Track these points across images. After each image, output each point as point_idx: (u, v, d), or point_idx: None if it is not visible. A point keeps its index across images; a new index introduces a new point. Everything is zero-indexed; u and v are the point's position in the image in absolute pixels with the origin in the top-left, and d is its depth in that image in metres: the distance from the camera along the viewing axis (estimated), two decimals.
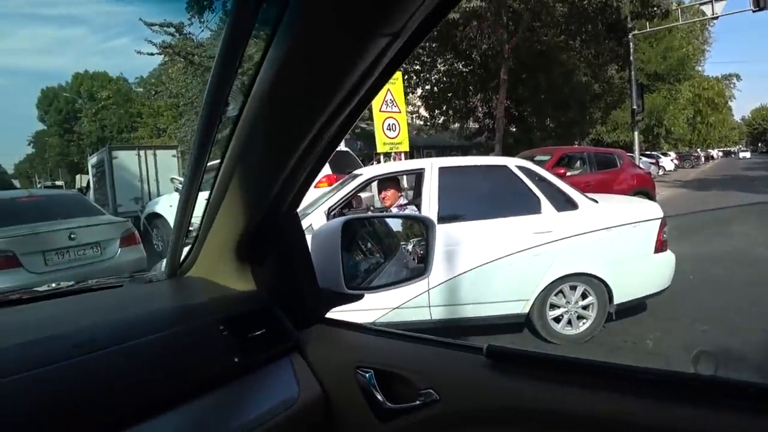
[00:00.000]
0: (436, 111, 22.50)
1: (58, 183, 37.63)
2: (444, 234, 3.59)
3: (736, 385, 0.61)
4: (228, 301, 0.98)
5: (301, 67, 0.63)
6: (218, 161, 0.85)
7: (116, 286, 1.17)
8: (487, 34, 18.01)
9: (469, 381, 0.82)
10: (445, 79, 21.53)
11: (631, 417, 0.65)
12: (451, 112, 22.48)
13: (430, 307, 3.71)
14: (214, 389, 0.80)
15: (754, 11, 15.52)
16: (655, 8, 17.07)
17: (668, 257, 4.07)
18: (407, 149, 9.97)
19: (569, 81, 19.70)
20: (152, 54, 16.12)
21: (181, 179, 9.00)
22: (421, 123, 23.95)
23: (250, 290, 1.01)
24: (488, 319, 3.86)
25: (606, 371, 0.71)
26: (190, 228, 1.05)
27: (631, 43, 19.17)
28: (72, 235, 5.28)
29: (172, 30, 15.98)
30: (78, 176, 30.94)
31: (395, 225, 1.55)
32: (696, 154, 46.22)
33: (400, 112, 9.77)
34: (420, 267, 1.25)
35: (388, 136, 9.41)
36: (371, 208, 6.08)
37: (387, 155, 9.75)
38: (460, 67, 21.11)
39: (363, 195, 5.95)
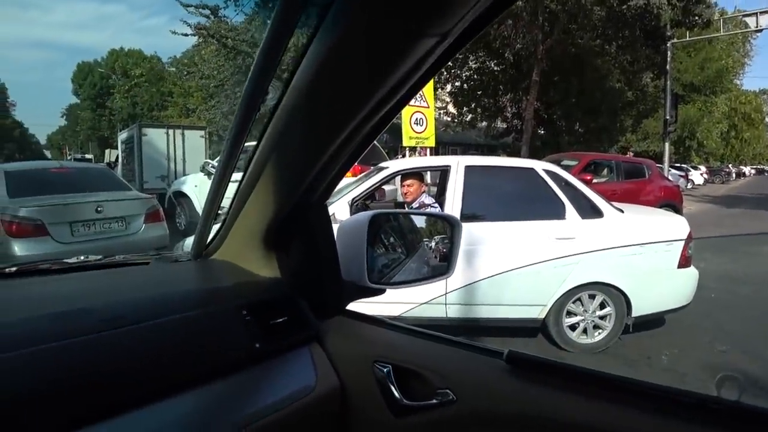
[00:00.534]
0: (465, 108, 22.31)
1: (87, 156, 38.42)
2: (465, 233, 3.57)
3: (762, 413, 0.60)
4: (252, 286, 0.99)
5: (343, 61, 0.63)
6: (253, 147, 0.86)
7: (143, 263, 1.20)
8: (522, 33, 17.75)
9: (488, 384, 0.81)
10: (475, 76, 21.32)
11: None
12: (479, 110, 22.26)
13: (446, 305, 3.71)
14: (233, 373, 0.82)
15: None
16: (697, 17, 16.62)
17: (691, 273, 3.99)
18: (433, 145, 9.94)
19: (602, 86, 19.34)
20: (186, 35, 16.28)
21: (214, 163, 9.13)
22: (449, 119, 23.80)
23: (274, 277, 1.02)
24: (504, 321, 3.84)
25: (629, 387, 0.70)
26: (219, 211, 1.06)
27: (669, 52, 18.71)
28: (99, 208, 5.40)
29: (207, 12, 16.12)
30: (108, 151, 31.59)
31: (419, 221, 1.55)
32: (727, 170, 45.02)
33: (428, 107, 9.73)
34: (443, 266, 1.25)
35: (414, 131, 9.39)
36: (395, 201, 6.08)
37: (412, 149, 9.73)
38: (492, 65, 20.86)
39: (386, 188, 5.96)
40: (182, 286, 1.02)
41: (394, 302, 3.53)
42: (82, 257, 1.18)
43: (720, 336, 4.25)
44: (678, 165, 29.03)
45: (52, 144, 73.67)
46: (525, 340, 4.08)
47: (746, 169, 57.85)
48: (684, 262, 3.91)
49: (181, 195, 10.13)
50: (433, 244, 1.63)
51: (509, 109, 22.58)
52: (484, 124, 23.89)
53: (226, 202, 1.04)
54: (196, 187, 9.64)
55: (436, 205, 4.02)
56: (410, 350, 0.94)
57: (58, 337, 0.68)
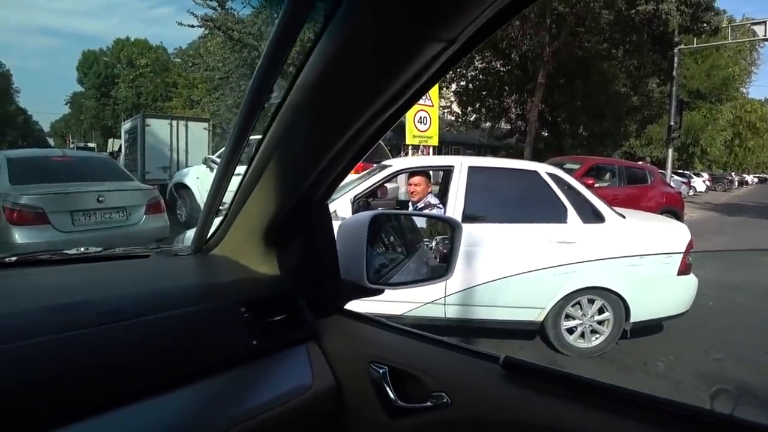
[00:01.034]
0: (469, 108, 22.28)
1: (90, 144, 38.41)
2: (466, 233, 3.57)
3: (755, 428, 0.60)
4: (251, 283, 1.00)
5: (349, 62, 0.63)
6: (257, 142, 0.86)
7: (143, 256, 1.20)
8: (529, 35, 17.71)
9: (483, 389, 0.82)
10: (481, 76, 21.28)
11: None
12: (484, 110, 22.23)
13: (445, 305, 3.71)
14: (231, 369, 0.82)
15: None
16: (705, 24, 16.57)
17: (691, 281, 3.99)
18: (436, 143, 9.93)
19: (607, 90, 19.30)
20: (193, 26, 16.27)
21: (217, 159, 9.13)
22: (453, 119, 23.77)
23: (274, 274, 1.02)
24: (502, 323, 3.84)
25: (624, 397, 0.70)
26: (221, 206, 1.06)
27: (676, 58, 18.66)
28: (100, 198, 5.40)
29: (214, 4, 16.11)
30: (111, 140, 31.61)
31: (420, 222, 1.55)
32: (730, 178, 44.94)
33: (432, 105, 9.72)
34: (442, 267, 1.25)
35: (418, 129, 9.38)
36: (396, 199, 6.08)
37: (415, 148, 9.72)
38: (498, 66, 20.83)
39: (388, 186, 5.96)
40: (182, 280, 1.02)
41: (393, 301, 3.53)
42: (82, 249, 1.19)
43: (716, 344, 4.25)
44: (681, 171, 28.98)
45: (56, 132, 73.68)
46: (522, 342, 4.08)
47: (749, 178, 57.65)
48: (684, 270, 3.90)
49: (183, 187, 10.13)
50: (433, 244, 1.63)
51: (513, 111, 22.56)
52: (488, 124, 23.85)
53: (227, 197, 1.04)
54: (198, 180, 9.64)
55: (441, 206, 4.01)
56: (407, 352, 0.94)
57: (58, 329, 0.68)
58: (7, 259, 1.08)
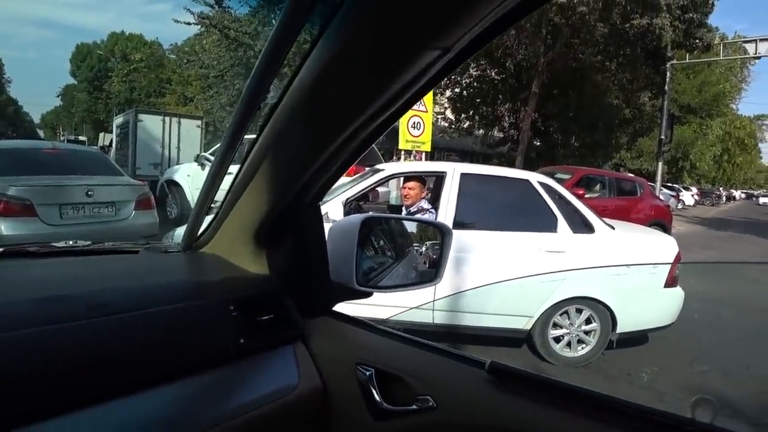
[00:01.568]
0: (463, 115, 22.38)
1: (81, 138, 38.08)
2: (457, 240, 3.58)
3: None
4: (240, 281, 0.99)
5: (346, 65, 0.63)
6: (251, 142, 0.86)
7: (132, 251, 1.19)
8: (524, 45, 17.87)
9: (469, 394, 0.82)
10: (475, 84, 21.39)
11: None
12: (477, 118, 22.35)
13: (433, 310, 3.71)
14: (217, 367, 0.82)
15: None
16: (698, 40, 16.80)
17: (677, 293, 4.03)
18: (429, 149, 9.95)
19: (600, 102, 19.47)
20: (189, 23, 16.24)
21: (210, 157, 9.08)
22: (446, 125, 23.88)
23: (263, 274, 1.02)
24: (489, 330, 3.85)
25: (609, 405, 0.70)
26: (212, 204, 1.06)
27: (668, 72, 18.90)
28: (89, 192, 5.35)
29: (211, 1, 16.08)
30: (102, 134, 31.38)
31: (410, 226, 1.55)
32: (718, 193, 45.56)
33: (426, 111, 9.74)
34: (431, 272, 1.25)
35: (411, 134, 9.39)
36: (388, 203, 6.09)
37: (408, 153, 9.74)
38: (493, 74, 20.94)
39: (380, 190, 5.96)
40: (171, 277, 1.02)
41: (381, 305, 3.53)
42: (70, 242, 1.18)
43: (701, 357, 4.29)
44: (670, 185, 29.30)
45: (46, 124, 73.02)
46: (508, 350, 4.09)
47: (737, 193, 58.47)
48: (671, 282, 3.94)
49: (174, 184, 10.05)
50: (423, 249, 1.64)
51: (507, 119, 22.68)
52: (481, 132, 23.97)
53: (220, 195, 1.04)
54: (189, 177, 9.58)
55: (433, 211, 4.02)
56: (394, 355, 0.94)
57: (45, 321, 0.68)
58: None
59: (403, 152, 9.85)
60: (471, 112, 22.17)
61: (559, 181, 6.12)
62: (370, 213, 1.44)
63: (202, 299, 0.89)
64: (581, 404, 0.72)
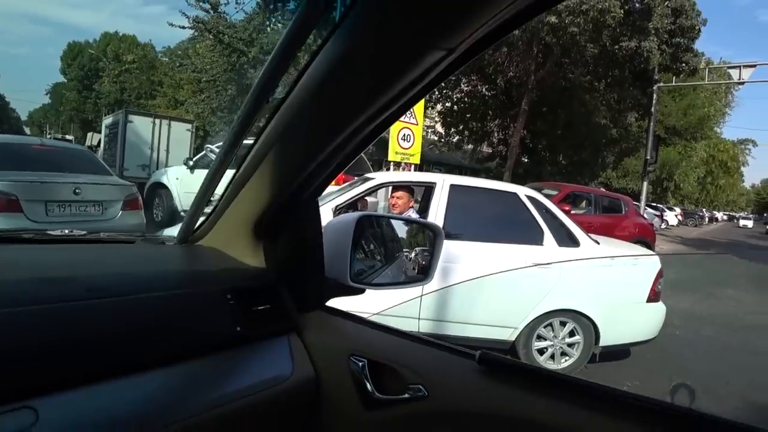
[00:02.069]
0: (452, 129, 22.54)
1: (68, 137, 37.60)
2: (444, 250, 3.60)
3: (711, 419, 0.64)
4: (237, 273, 1.01)
5: (353, 64, 0.66)
6: (255, 137, 0.88)
7: (128, 241, 1.20)
8: (516, 62, 18.15)
9: (459, 383, 0.84)
10: (466, 99, 21.61)
11: None
12: (466, 132, 22.52)
13: (419, 319, 3.73)
14: (213, 353, 0.83)
15: None
16: (684, 64, 17.20)
17: (659, 308, 4.10)
18: (418, 162, 10.00)
19: (588, 121, 19.74)
20: (183, 27, 16.25)
21: (215, 149, 9.02)
22: (435, 139, 24.03)
23: (259, 267, 1.04)
24: (474, 340, 3.87)
25: (593, 391, 0.73)
26: (211, 198, 1.08)
27: (654, 94, 19.26)
28: (77, 190, 5.30)
29: (207, 6, 16.12)
30: (90, 134, 31.01)
31: (401, 231, 1.57)
32: (701, 214, 46.30)
33: (417, 124, 9.80)
34: (420, 275, 1.28)
35: (401, 146, 9.44)
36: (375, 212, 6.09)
37: (397, 165, 9.78)
38: (483, 90, 21.17)
39: (369, 199, 5.98)
40: (169, 266, 1.03)
41: (365, 312, 3.53)
42: (66, 230, 1.18)
43: (681, 372, 4.36)
44: (654, 205, 29.69)
45: (33, 121, 72.03)
46: None
47: (719, 215, 59.48)
48: (653, 297, 4.01)
49: (161, 186, 9.99)
50: (412, 255, 1.66)
51: (496, 135, 22.88)
52: (470, 146, 24.15)
53: (218, 190, 1.05)
54: (178, 180, 9.52)
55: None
56: (386, 347, 0.96)
57: (45, 300, 0.69)
58: None
59: (392, 164, 9.89)
60: (461, 127, 22.34)
61: (547, 196, 6.19)
62: (366, 211, 1.46)
63: (201, 287, 0.90)
64: (568, 391, 0.75)
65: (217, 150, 1.31)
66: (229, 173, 0.99)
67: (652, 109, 19.42)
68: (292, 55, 0.70)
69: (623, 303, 4.03)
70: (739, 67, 18.47)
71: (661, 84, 19.81)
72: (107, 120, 15.72)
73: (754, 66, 18.14)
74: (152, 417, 0.71)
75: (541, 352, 3.96)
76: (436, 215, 3.88)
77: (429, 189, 4.20)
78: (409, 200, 4.22)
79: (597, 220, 9.46)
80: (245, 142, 0.93)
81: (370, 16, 0.60)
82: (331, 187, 5.08)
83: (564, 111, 19.75)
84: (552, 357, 3.99)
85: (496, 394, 0.80)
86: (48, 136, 42.03)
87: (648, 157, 18.97)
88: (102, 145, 15.85)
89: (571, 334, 3.97)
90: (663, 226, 27.54)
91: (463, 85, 20.81)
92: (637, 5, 15.53)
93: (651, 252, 4.33)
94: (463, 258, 3.74)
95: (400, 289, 1.22)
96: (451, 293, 3.72)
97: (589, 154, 21.81)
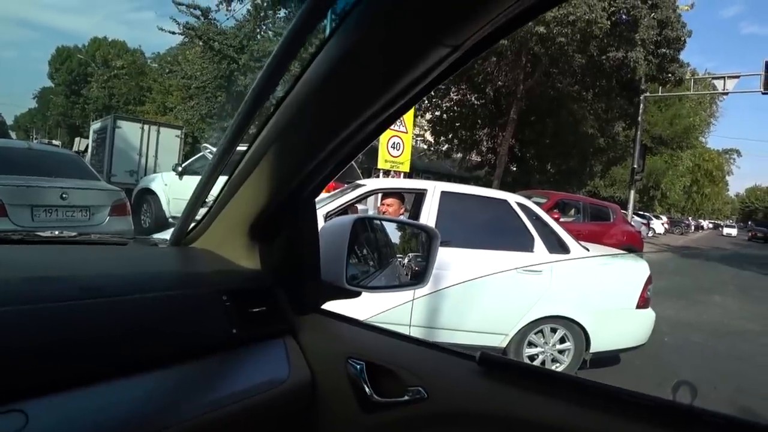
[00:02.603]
0: (442, 138, 22.66)
1: (54, 142, 37.19)
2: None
3: (712, 416, 0.65)
4: (233, 274, 1.00)
5: (356, 61, 0.66)
6: (251, 138, 0.88)
7: (120, 243, 1.18)
8: (505, 71, 18.33)
9: (460, 384, 0.83)
10: (455, 108, 21.73)
11: None
12: (456, 141, 22.65)
13: (410, 326, 3.72)
14: (209, 355, 0.82)
15: (763, 93, 15.94)
16: (670, 74, 17.49)
17: (649, 315, 4.12)
18: (407, 170, 10.03)
19: (576, 131, 19.94)
20: (174, 33, 16.23)
21: (212, 148, 8.94)
22: (425, 147, 24.12)
23: (255, 269, 1.03)
24: (465, 347, 3.85)
25: (594, 390, 0.73)
26: (206, 200, 1.06)
27: (641, 104, 19.53)
28: (64, 195, 5.24)
29: (198, 13, 16.14)
30: (77, 139, 30.74)
31: (395, 236, 1.56)
32: (687, 222, 46.87)
33: (407, 132, 9.83)
34: (418, 274, 1.27)
35: (391, 154, 9.45)
36: None
37: (386, 173, 9.80)
38: (473, 99, 21.32)
39: (359, 207, 5.97)
40: (163, 267, 1.02)
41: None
42: (56, 232, 1.16)
43: (670, 378, 4.37)
44: (641, 213, 29.98)
45: (19, 125, 71.14)
46: None
47: (705, 223, 60.26)
48: (642, 303, 4.04)
49: (149, 192, 9.89)
50: (405, 261, 1.65)
51: (485, 144, 23.02)
52: (459, 155, 24.28)
53: (212, 193, 1.04)
54: (166, 186, 9.44)
55: None
56: (383, 349, 0.95)
57: (37, 300, 0.67)
58: None
59: (381, 172, 9.90)
60: (450, 136, 22.47)
61: (536, 204, 6.25)
62: (362, 214, 1.45)
63: (196, 288, 0.89)
64: (568, 390, 0.75)
65: (214, 149, 1.30)
66: (224, 175, 0.98)
67: (639, 118, 19.71)
68: (294, 52, 0.70)
69: (613, 309, 4.05)
70: (724, 77, 18.83)
71: (648, 94, 20.10)
72: (95, 125, 15.59)
73: (738, 77, 18.50)
74: (146, 420, 0.69)
75: (532, 359, 3.96)
76: (427, 222, 3.88)
77: (420, 196, 4.20)
78: (399, 207, 4.21)
79: (586, 228, 9.52)
80: (240, 147, 0.92)
81: (375, 12, 0.60)
82: (322, 194, 5.06)
83: (552, 120, 19.96)
84: (543, 364, 3.99)
85: (497, 395, 0.79)
86: (35, 141, 41.57)
87: (635, 166, 19.21)
88: (90, 150, 15.69)
89: (562, 340, 3.98)
90: (650, 234, 27.81)
91: (452, 94, 20.96)
92: (624, 16, 15.77)
93: (642, 261, 4.35)
94: (454, 265, 3.74)
95: (396, 291, 1.21)
96: (441, 300, 3.71)
97: (577, 163, 22.04)
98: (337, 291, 1.01)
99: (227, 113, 17.20)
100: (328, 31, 0.65)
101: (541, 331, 3.95)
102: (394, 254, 1.46)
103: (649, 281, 4.09)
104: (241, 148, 0.91)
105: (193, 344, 0.81)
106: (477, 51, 0.65)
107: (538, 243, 3.95)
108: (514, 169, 23.18)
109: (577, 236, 4.63)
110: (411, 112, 9.96)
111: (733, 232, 53.79)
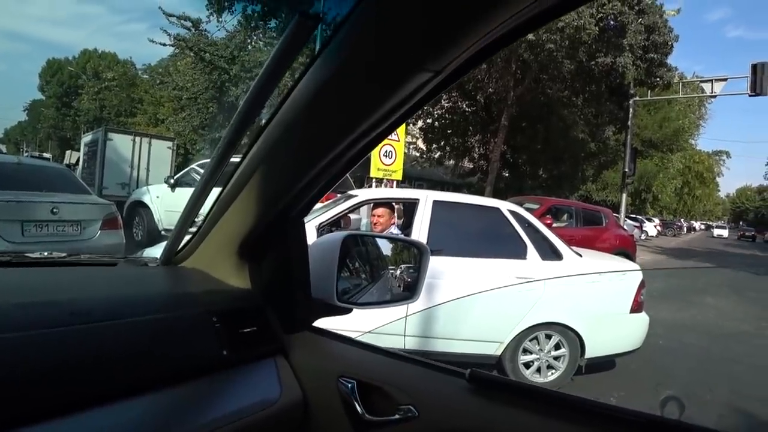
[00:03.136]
0: (434, 145, 22.75)
1: (45, 155, 37.01)
2: (429, 265, 3.60)
3: (700, 431, 0.65)
4: (222, 295, 0.99)
5: (341, 86, 0.67)
6: (239, 159, 0.88)
7: (110, 264, 1.18)
8: (495, 78, 18.46)
9: (450, 402, 0.83)
10: (447, 115, 21.84)
11: None
12: (448, 148, 22.76)
13: (405, 336, 3.71)
14: (199, 377, 0.82)
15: (750, 96, 16.10)
16: (658, 79, 17.67)
17: (643, 318, 4.14)
18: (400, 178, 10.04)
19: (566, 136, 20.07)
20: (164, 44, 16.21)
21: (198, 168, 8.89)
22: (417, 155, 24.19)
23: (245, 288, 1.03)
24: (460, 356, 3.86)
25: (584, 407, 0.73)
26: (196, 219, 1.06)
27: (631, 108, 19.69)
28: (54, 210, 5.19)
29: (188, 24, 16.13)
30: (68, 152, 30.60)
31: (386, 249, 1.56)
32: (679, 224, 47.21)
33: (398, 140, 9.86)
34: (407, 293, 1.27)
35: (383, 163, 9.47)
36: (359, 230, 6.08)
37: (379, 181, 9.81)
38: (464, 106, 21.46)
39: (352, 216, 5.97)
40: (153, 288, 1.01)
41: (351, 330, 3.50)
42: (45, 253, 1.15)
43: (665, 381, 4.40)
44: (634, 216, 30.15)
45: (9, 138, 70.70)
46: None
47: (696, 225, 60.70)
48: (636, 307, 4.05)
49: (142, 205, 9.83)
50: (398, 272, 1.65)
51: (477, 150, 23.13)
52: (452, 162, 24.37)
53: (203, 210, 1.04)
54: (158, 198, 9.39)
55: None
56: (375, 367, 0.95)
57: (28, 326, 0.67)
58: None
59: (374, 180, 9.91)
60: (442, 143, 22.57)
61: (528, 210, 6.27)
62: (351, 231, 1.45)
63: (185, 310, 0.89)
64: (559, 407, 0.75)
65: (201, 170, 1.29)
66: (214, 193, 0.98)
67: (629, 122, 19.82)
68: (280, 75, 0.70)
69: (607, 314, 4.06)
70: (711, 80, 18.98)
71: (637, 98, 20.26)
72: (86, 138, 15.52)
73: (726, 79, 18.66)
74: None
75: (527, 365, 3.97)
76: (420, 231, 3.89)
77: (412, 205, 4.20)
78: (390, 217, 4.22)
79: (578, 233, 9.56)
80: (231, 160, 0.92)
81: (358, 38, 0.60)
82: (315, 205, 5.05)
83: (543, 126, 20.10)
84: (538, 370, 3.99)
85: (486, 412, 0.79)
86: (25, 154, 41.29)
87: (626, 170, 19.32)
88: (81, 163, 15.61)
89: (557, 347, 3.98)
90: (643, 236, 27.96)
91: (443, 102, 21.05)
92: (612, 22, 15.94)
93: (635, 267, 4.36)
94: (447, 274, 3.74)
95: (387, 307, 1.21)
96: (436, 309, 3.71)
97: (569, 168, 22.17)
98: (328, 308, 1.01)
99: (219, 124, 17.18)
100: (313, 55, 0.65)
101: (536, 337, 3.95)
102: (386, 267, 1.46)
103: (642, 285, 4.11)
104: (234, 159, 0.91)
105: (184, 367, 0.80)
106: (459, 74, 0.66)
107: (531, 250, 3.96)
108: (507, 175, 23.28)
109: (570, 241, 4.65)
110: None
111: (724, 233, 53.66)
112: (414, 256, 1.37)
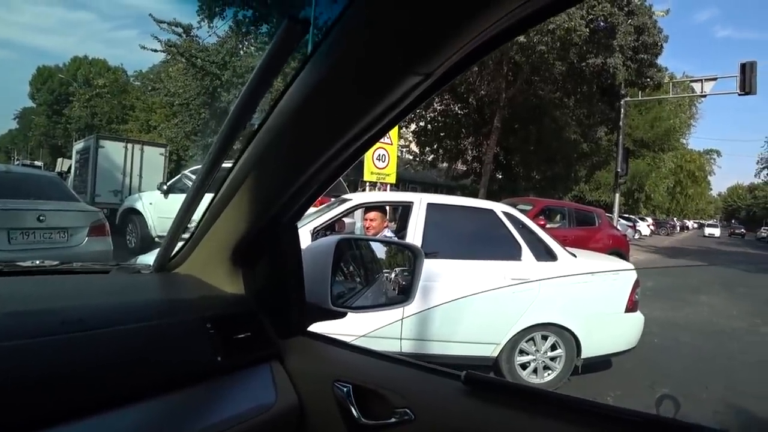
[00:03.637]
0: (427, 148, 22.79)
1: (37, 163, 36.71)
2: (424, 268, 3.60)
3: (695, 429, 0.65)
4: (216, 301, 0.99)
5: (330, 91, 0.67)
6: (230, 164, 0.87)
7: (103, 271, 1.17)
8: (487, 81, 18.54)
9: (446, 405, 0.83)
10: (439, 118, 21.89)
11: None
12: (441, 151, 22.79)
13: (401, 339, 3.70)
14: (194, 384, 0.81)
15: (739, 95, 16.25)
16: (649, 79, 17.80)
17: (638, 318, 4.16)
18: (394, 181, 10.06)
19: (559, 137, 20.16)
20: (155, 50, 16.19)
21: (190, 174, 8.85)
22: (411, 158, 24.22)
23: (239, 294, 1.02)
24: (457, 358, 3.85)
25: (580, 407, 0.73)
26: (188, 226, 1.05)
27: (622, 109, 19.83)
28: (41, 217, 5.16)
29: (180, 30, 16.12)
30: (60, 160, 30.37)
31: (380, 252, 1.56)
32: (672, 223, 47.45)
33: (391, 144, 9.89)
34: (401, 296, 1.27)
35: (376, 166, 9.49)
36: (352, 233, 6.08)
37: (373, 184, 9.82)
38: (456, 109, 21.52)
39: (346, 220, 5.97)
40: (146, 295, 1.01)
41: (347, 334, 3.49)
42: (37, 261, 1.14)
43: (661, 379, 4.42)
44: (627, 216, 30.29)
45: (0, 147, 70.30)
46: None
47: (689, 223, 61.07)
48: (631, 307, 4.07)
49: (134, 212, 9.78)
50: (392, 275, 1.64)
51: (470, 152, 23.18)
52: (445, 165, 24.42)
53: (195, 216, 1.03)
54: (151, 205, 9.35)
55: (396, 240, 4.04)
56: (370, 371, 0.95)
57: (19, 336, 0.66)
58: None
59: (368, 184, 9.92)
60: (435, 146, 22.60)
61: (522, 211, 6.29)
62: (345, 234, 1.45)
63: (179, 317, 0.88)
64: (555, 408, 0.75)
65: (193, 176, 1.29)
66: (206, 199, 0.98)
67: (621, 122, 19.96)
68: (270, 80, 0.70)
69: (602, 314, 4.07)
70: (701, 80, 19.18)
71: (628, 98, 20.41)
72: (78, 145, 15.39)
73: (715, 79, 18.87)
74: None
75: (523, 366, 3.97)
76: (414, 234, 3.89)
77: (406, 208, 4.20)
78: (383, 221, 4.22)
79: (572, 233, 9.59)
80: (223, 165, 0.91)
81: (348, 43, 0.60)
82: (309, 209, 5.05)
83: (535, 127, 20.16)
84: (535, 371, 4.00)
85: (482, 414, 0.79)
86: (16, 162, 41.01)
87: (619, 170, 19.44)
88: (73, 170, 15.48)
89: (553, 347, 3.98)
90: (636, 236, 28.09)
91: (436, 105, 21.09)
92: (602, 24, 16.05)
93: (630, 266, 4.39)
94: (442, 276, 3.74)
95: (382, 311, 1.21)
96: (432, 311, 3.71)
97: (562, 169, 22.25)
98: (322, 313, 1.00)
99: (211, 130, 17.15)
100: (303, 60, 0.65)
101: (532, 338, 3.95)
102: (381, 270, 1.45)
103: (636, 285, 4.13)
104: (226, 164, 0.91)
105: (178, 373, 0.80)
106: (449, 77, 0.66)
107: (526, 251, 3.96)
108: (500, 176, 23.35)
109: (563, 242, 4.67)
110: None
111: (716, 232, 51.94)
112: (408, 259, 1.36)
